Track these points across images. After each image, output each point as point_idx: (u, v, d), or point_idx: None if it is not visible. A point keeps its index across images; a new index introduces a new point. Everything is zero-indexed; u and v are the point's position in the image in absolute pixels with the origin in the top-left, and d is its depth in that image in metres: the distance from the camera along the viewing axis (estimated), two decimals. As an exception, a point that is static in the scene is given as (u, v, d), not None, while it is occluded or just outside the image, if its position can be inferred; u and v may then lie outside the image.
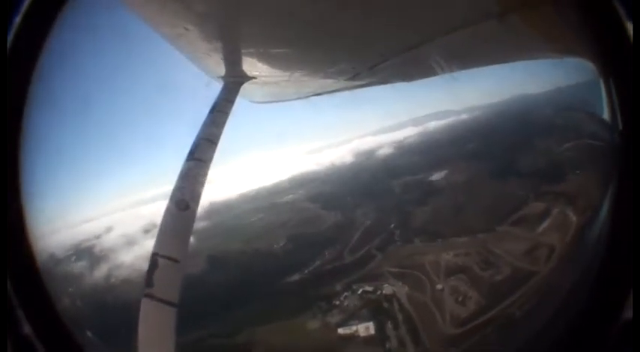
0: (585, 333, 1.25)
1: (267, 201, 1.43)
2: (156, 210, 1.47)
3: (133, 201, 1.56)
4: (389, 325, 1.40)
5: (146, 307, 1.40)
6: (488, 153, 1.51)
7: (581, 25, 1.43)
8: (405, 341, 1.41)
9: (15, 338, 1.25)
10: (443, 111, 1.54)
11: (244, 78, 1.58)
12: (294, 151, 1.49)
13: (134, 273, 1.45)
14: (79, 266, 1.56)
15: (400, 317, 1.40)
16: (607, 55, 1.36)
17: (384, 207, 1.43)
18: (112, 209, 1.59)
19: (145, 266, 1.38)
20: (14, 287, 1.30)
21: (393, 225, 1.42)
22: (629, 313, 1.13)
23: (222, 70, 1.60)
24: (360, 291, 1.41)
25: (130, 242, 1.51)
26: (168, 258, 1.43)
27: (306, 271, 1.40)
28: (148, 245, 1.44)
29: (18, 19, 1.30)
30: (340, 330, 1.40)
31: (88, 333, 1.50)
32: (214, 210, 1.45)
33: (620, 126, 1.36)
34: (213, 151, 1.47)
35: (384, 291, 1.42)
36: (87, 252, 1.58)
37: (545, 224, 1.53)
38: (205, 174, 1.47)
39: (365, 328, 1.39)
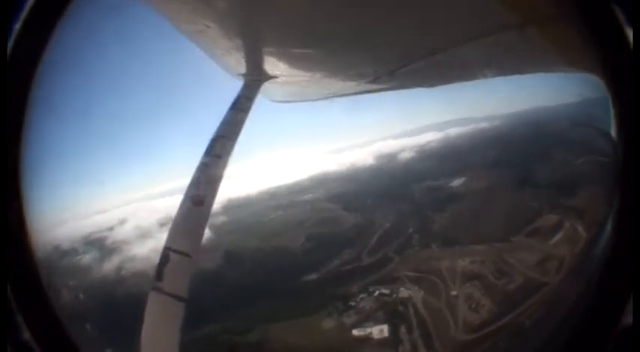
0: (585, 339, 1.25)
1: (286, 199, 1.42)
2: (173, 203, 1.46)
3: (148, 193, 1.54)
4: (403, 329, 1.40)
5: (153, 300, 1.39)
6: (507, 162, 1.52)
7: (587, 41, 1.44)
8: (417, 346, 1.41)
9: (14, 344, 1.24)
10: (463, 118, 1.53)
11: (264, 77, 1.58)
12: (315, 151, 1.48)
13: (148, 266, 1.44)
14: (87, 258, 1.54)
15: (414, 321, 1.40)
16: (611, 73, 1.38)
17: (403, 211, 1.43)
18: (125, 201, 1.57)
19: (160, 260, 1.36)
20: (14, 292, 1.28)
21: (411, 229, 1.42)
22: (628, 319, 1.14)
23: (242, 68, 1.59)
24: (376, 293, 1.41)
25: (144, 235, 1.50)
26: (180, 253, 1.43)
27: (323, 271, 1.40)
28: (163, 238, 1.43)
29: (18, 26, 1.30)
30: (355, 331, 1.40)
31: (87, 327, 1.48)
32: (233, 205, 1.44)
33: (623, 143, 1.38)
34: (231, 148, 1.47)
35: (400, 295, 1.41)
36: (97, 244, 1.56)
37: (557, 237, 1.53)
38: (222, 171, 1.46)
39: (379, 330, 1.39)
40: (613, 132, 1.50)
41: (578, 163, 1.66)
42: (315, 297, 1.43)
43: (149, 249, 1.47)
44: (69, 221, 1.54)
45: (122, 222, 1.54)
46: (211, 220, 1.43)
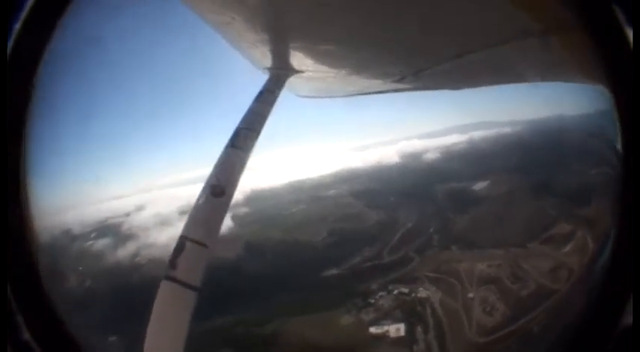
0: (586, 339, 1.26)
1: (310, 194, 1.42)
2: (195, 192, 1.45)
3: (170, 181, 1.53)
4: (419, 328, 1.40)
5: (165, 288, 1.38)
6: (527, 169, 1.53)
7: (592, 51, 1.46)
8: (431, 346, 1.41)
9: (15, 344, 1.23)
10: (487, 121, 1.54)
11: (290, 71, 1.57)
12: (340, 147, 1.49)
13: (165, 254, 1.43)
14: (101, 243, 1.52)
15: (431, 321, 1.40)
16: (613, 83, 1.39)
17: (425, 211, 1.44)
18: (143, 188, 1.56)
19: (179, 248, 1.36)
20: (14, 292, 1.27)
21: (432, 230, 1.42)
22: (628, 319, 1.15)
23: (268, 62, 1.59)
24: (395, 292, 1.41)
25: (163, 222, 1.49)
26: (197, 243, 1.42)
27: (344, 266, 1.40)
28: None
29: (18, 26, 1.29)
30: (372, 329, 1.40)
31: (94, 312, 1.47)
32: (256, 197, 1.43)
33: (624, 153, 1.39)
34: (254, 141, 1.46)
35: (418, 294, 1.41)
36: (112, 229, 1.54)
37: (569, 246, 1.54)
38: (244, 163, 1.45)
39: (396, 329, 1.39)
40: (618, 145, 1.52)
41: (591, 174, 1.67)
42: (335, 293, 1.43)
43: (168, 236, 1.46)
44: (80, 205, 1.52)
45: (140, 208, 1.52)
46: (234, 211, 1.42)
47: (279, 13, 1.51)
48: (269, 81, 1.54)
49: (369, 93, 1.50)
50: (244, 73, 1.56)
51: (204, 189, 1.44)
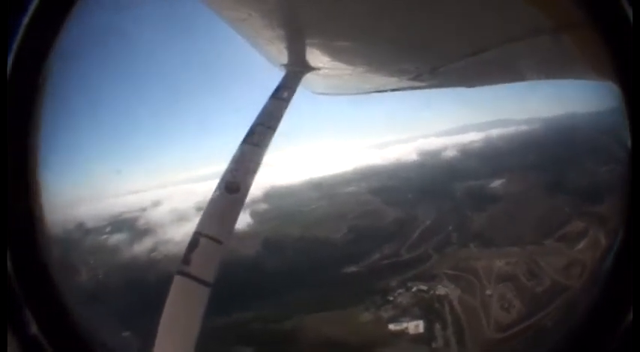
0: (589, 338, 1.28)
1: (329, 191, 1.42)
2: (211, 189, 1.45)
3: (186, 177, 1.53)
4: (437, 325, 1.41)
5: (178, 283, 1.39)
6: (543, 166, 1.54)
7: (601, 46, 1.47)
8: (450, 343, 1.43)
9: (22, 339, 1.22)
10: (504, 119, 1.54)
11: (306, 68, 1.57)
12: (358, 144, 1.49)
13: (182, 251, 1.43)
14: (115, 237, 1.52)
15: (449, 318, 1.41)
16: (622, 80, 1.40)
17: (444, 209, 1.44)
18: (160, 183, 1.56)
19: (196, 244, 1.36)
20: (21, 286, 1.26)
21: (451, 227, 1.43)
22: (630, 317, 1.16)
23: (284, 58, 1.59)
24: (414, 289, 1.42)
25: (180, 218, 1.49)
26: (211, 238, 1.42)
27: (364, 263, 1.40)
28: (201, 223, 1.42)
29: (26, 21, 1.28)
30: (391, 326, 1.41)
31: (105, 307, 1.47)
32: (275, 194, 1.44)
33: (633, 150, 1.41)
34: (270, 137, 1.46)
35: (437, 292, 1.42)
36: (127, 224, 1.54)
37: (582, 243, 1.56)
38: (260, 159, 1.46)
39: (415, 326, 1.40)
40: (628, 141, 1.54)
41: (601, 172, 1.68)
42: (354, 290, 1.43)
43: (184, 233, 1.46)
44: (94, 199, 1.52)
45: (156, 203, 1.52)
46: (253, 207, 1.42)
47: (295, 10, 1.51)
48: (285, 78, 1.55)
49: (385, 90, 1.50)
50: (261, 69, 1.55)
51: (219, 185, 1.44)
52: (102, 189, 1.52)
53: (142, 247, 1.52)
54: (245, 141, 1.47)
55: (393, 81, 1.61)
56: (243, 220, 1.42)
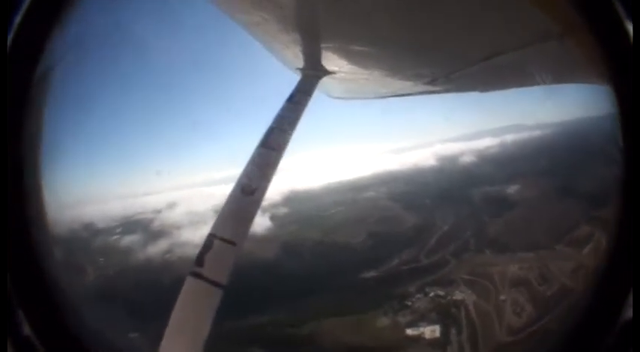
0: (587, 333, 1.30)
1: (348, 196, 1.43)
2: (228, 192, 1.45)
3: (200, 180, 1.53)
4: (453, 330, 1.42)
5: (190, 285, 1.38)
6: (554, 171, 1.55)
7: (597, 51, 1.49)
8: (464, 347, 1.44)
9: (15, 341, 1.20)
10: (517, 124, 1.56)
11: (323, 72, 1.57)
12: (377, 149, 1.49)
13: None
14: (128, 239, 1.51)
15: (464, 323, 1.42)
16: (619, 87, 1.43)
17: (461, 214, 1.45)
18: (174, 186, 1.55)
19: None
20: (14, 286, 1.25)
21: (468, 233, 1.44)
22: (629, 313, 1.18)
23: (300, 63, 1.58)
24: (432, 294, 1.43)
25: (197, 220, 1.48)
26: (225, 241, 1.41)
27: (383, 269, 1.41)
28: (218, 226, 1.42)
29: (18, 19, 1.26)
30: (408, 331, 1.42)
31: (113, 306, 1.46)
32: (295, 198, 1.44)
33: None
34: (286, 141, 1.46)
35: (454, 297, 1.43)
36: (140, 225, 1.53)
37: (588, 247, 1.58)
38: (276, 163, 1.45)
39: (431, 331, 1.41)
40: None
41: (607, 176, 1.70)
42: (373, 295, 1.44)
43: (202, 235, 1.45)
44: (105, 200, 1.51)
45: (171, 205, 1.51)
46: (272, 211, 1.42)
47: (311, 14, 1.50)
48: (301, 82, 1.54)
49: (401, 95, 1.50)
50: (277, 73, 1.55)
51: (234, 187, 1.44)
52: (113, 190, 1.50)
53: (155, 249, 1.50)
54: (261, 144, 1.46)
55: (408, 85, 1.61)
56: (263, 224, 1.42)
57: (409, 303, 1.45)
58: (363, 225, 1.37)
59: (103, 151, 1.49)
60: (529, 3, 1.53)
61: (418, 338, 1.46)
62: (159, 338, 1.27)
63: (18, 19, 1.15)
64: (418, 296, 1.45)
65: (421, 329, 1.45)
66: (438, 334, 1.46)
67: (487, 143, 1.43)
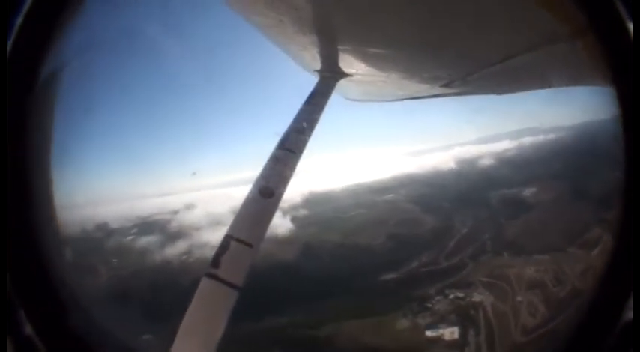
0: (587, 334, 1.32)
1: (368, 198, 1.44)
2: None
3: (218, 181, 1.53)
4: (471, 331, 1.44)
5: (205, 286, 1.38)
6: (567, 174, 1.57)
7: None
8: (481, 347, 1.45)
9: (16, 340, 1.21)
10: (533, 127, 1.58)
11: (340, 74, 1.58)
12: (396, 151, 1.50)
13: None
14: (144, 239, 1.51)
15: (482, 324, 1.44)
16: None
17: (480, 217, 1.47)
18: (192, 187, 1.55)
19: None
20: (15, 285, 1.25)
21: (486, 236, 1.45)
22: (629, 315, 1.20)
23: (317, 65, 1.58)
24: (451, 296, 1.44)
25: (217, 222, 1.49)
26: (242, 242, 1.42)
27: (403, 271, 1.42)
28: (236, 227, 1.42)
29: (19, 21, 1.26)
30: (428, 332, 1.43)
31: (126, 306, 1.47)
32: (315, 200, 1.44)
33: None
34: (304, 143, 1.46)
35: (473, 299, 1.45)
36: (157, 226, 1.53)
37: (597, 249, 1.60)
38: (294, 165, 1.46)
39: (450, 332, 1.43)
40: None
41: (614, 178, 1.72)
42: (393, 297, 1.45)
43: (220, 237, 1.46)
44: (120, 200, 1.51)
45: (189, 207, 1.51)
46: (293, 213, 1.43)
47: (328, 16, 1.51)
48: (319, 84, 1.54)
49: (418, 97, 1.51)
50: (295, 75, 1.55)
51: (252, 189, 1.44)
52: (128, 190, 1.50)
53: (173, 250, 1.50)
54: (279, 146, 1.46)
55: (425, 88, 1.62)
56: (285, 225, 1.42)
57: (429, 305, 1.46)
58: (383, 227, 1.38)
59: (116, 153, 1.48)
60: (535, 4, 1.55)
61: (437, 340, 1.47)
62: (172, 339, 1.27)
63: (19, 20, 1.14)
64: (438, 298, 1.46)
65: (440, 331, 1.47)
66: (456, 335, 1.47)
67: (505, 146, 1.44)
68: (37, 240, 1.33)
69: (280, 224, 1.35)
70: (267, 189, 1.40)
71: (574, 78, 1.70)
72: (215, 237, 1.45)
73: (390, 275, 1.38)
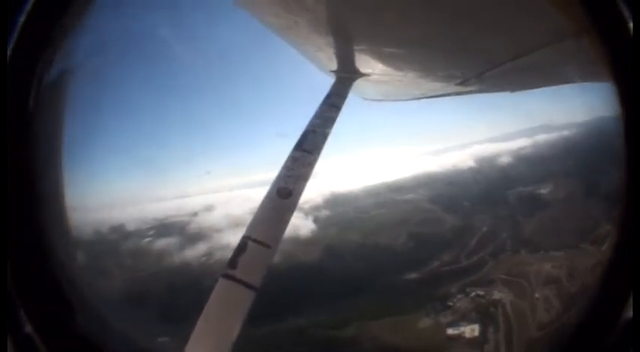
0: (588, 331, 1.34)
1: (389, 198, 1.45)
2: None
3: (238, 183, 1.53)
4: (491, 328, 1.45)
5: (222, 287, 1.38)
6: (580, 171, 1.59)
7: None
8: (499, 344, 1.47)
9: (16, 339, 1.20)
10: (547, 125, 1.59)
11: (356, 74, 1.58)
12: (415, 151, 1.51)
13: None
14: (162, 241, 1.51)
15: (501, 321, 1.45)
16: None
17: (499, 215, 1.48)
18: (211, 188, 1.55)
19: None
20: (15, 282, 1.24)
21: (505, 234, 1.47)
22: (629, 313, 1.22)
23: (333, 65, 1.59)
24: (472, 295, 1.46)
25: (236, 223, 1.49)
26: (259, 243, 1.42)
27: (424, 270, 1.43)
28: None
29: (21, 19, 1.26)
30: (449, 330, 1.45)
31: (142, 308, 1.46)
32: (336, 200, 1.45)
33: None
34: (322, 143, 1.47)
35: (493, 296, 1.46)
36: (175, 228, 1.53)
37: (606, 244, 1.62)
38: (312, 166, 1.46)
39: (471, 330, 1.44)
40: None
41: (621, 175, 1.75)
42: (415, 296, 1.46)
43: (239, 238, 1.46)
44: (137, 202, 1.50)
45: (208, 208, 1.51)
46: (315, 213, 1.43)
47: (343, 17, 1.51)
48: (336, 84, 1.54)
49: (434, 96, 1.52)
50: (312, 76, 1.55)
51: (270, 190, 1.44)
52: (141, 193, 1.49)
53: (192, 252, 1.50)
54: (297, 147, 1.46)
55: (441, 87, 1.63)
56: (307, 226, 1.43)
57: (451, 304, 1.48)
58: (403, 226, 1.39)
59: (130, 156, 1.47)
60: (545, 2, 1.55)
61: (458, 338, 1.48)
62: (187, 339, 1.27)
63: (21, 19, 1.13)
64: (459, 296, 1.47)
65: (461, 329, 1.48)
66: (477, 333, 1.49)
67: (521, 143, 1.45)
68: (42, 240, 1.32)
69: (302, 225, 1.35)
70: (285, 190, 1.40)
71: (584, 74, 1.72)
72: (235, 238, 1.45)
73: (412, 275, 1.39)
